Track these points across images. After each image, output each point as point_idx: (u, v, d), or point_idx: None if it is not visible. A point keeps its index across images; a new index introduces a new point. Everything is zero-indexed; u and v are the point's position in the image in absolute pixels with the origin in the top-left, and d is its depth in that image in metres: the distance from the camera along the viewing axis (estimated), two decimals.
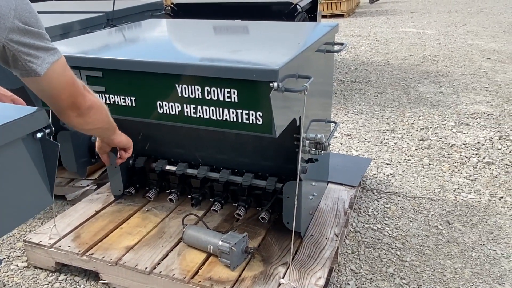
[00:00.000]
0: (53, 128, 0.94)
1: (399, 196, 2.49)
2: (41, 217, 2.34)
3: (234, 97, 1.34)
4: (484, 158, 2.91)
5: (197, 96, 1.39)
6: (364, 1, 16.95)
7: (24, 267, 1.99)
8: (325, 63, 1.92)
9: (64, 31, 2.26)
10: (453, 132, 3.38)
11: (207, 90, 1.36)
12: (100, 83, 1.52)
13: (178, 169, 2.12)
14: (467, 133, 3.34)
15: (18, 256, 2.07)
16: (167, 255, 1.80)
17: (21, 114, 0.88)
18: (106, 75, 1.49)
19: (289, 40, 1.79)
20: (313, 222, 2.01)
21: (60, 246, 1.87)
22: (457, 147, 3.10)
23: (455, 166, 2.83)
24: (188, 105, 1.42)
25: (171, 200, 2.12)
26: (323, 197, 2.23)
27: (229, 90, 1.34)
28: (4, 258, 2.03)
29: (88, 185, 2.45)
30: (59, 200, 2.44)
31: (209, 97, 1.38)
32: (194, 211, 2.06)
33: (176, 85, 1.40)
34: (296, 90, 1.35)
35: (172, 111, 1.45)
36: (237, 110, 1.36)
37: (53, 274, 1.93)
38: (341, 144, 3.22)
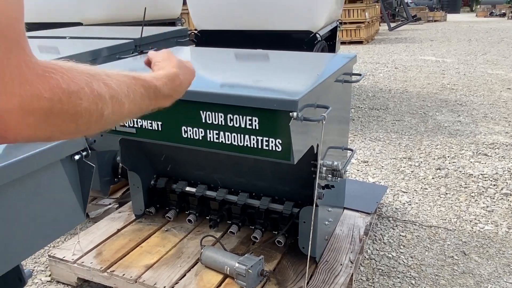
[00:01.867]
0: (89, 151, 1.02)
1: (415, 224, 2.49)
2: (64, 233, 2.42)
3: (255, 125, 1.41)
4: (502, 189, 2.90)
5: (220, 123, 1.47)
6: (384, 28, 17.10)
7: (47, 281, 2.06)
8: (343, 92, 1.99)
9: (94, 57, 2.39)
10: (471, 162, 3.38)
11: (230, 117, 1.44)
12: None
13: (197, 191, 2.19)
14: (485, 163, 3.34)
15: (42, 271, 2.14)
16: (185, 275, 1.85)
17: None
18: None
19: (309, 70, 1.87)
20: (328, 248, 2.04)
21: (82, 262, 1.94)
22: (474, 177, 3.10)
23: (472, 196, 2.83)
24: (211, 131, 1.50)
25: (190, 221, 2.18)
26: (339, 223, 2.26)
27: (250, 117, 1.41)
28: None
29: (110, 204, 2.54)
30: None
31: (231, 124, 1.45)
32: (212, 233, 2.11)
33: (201, 112, 1.48)
34: (315, 120, 1.41)
35: (196, 136, 1.53)
36: (257, 137, 1.43)
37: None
38: (357, 170, 3.26)
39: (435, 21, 21.89)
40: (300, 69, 1.93)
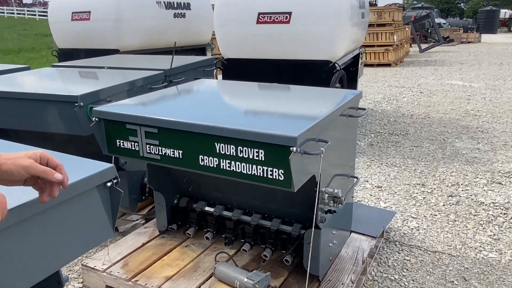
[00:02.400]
0: (119, 179, 1.26)
1: (420, 249, 2.62)
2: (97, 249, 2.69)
3: (262, 156, 1.62)
4: (510, 217, 2.98)
5: (231, 153, 1.69)
6: (415, 49, 17.07)
7: None
8: (348, 125, 2.18)
9: (130, 87, 2.68)
10: (484, 190, 3.46)
11: (240, 149, 1.66)
12: (155, 137, 1.86)
13: (215, 211, 2.41)
14: (498, 191, 3.41)
15: (75, 278, 2.40)
16: (199, 286, 2.05)
17: (98, 169, 1.21)
18: (160, 132, 1.84)
19: (314, 107, 2.08)
20: (332, 268, 2.21)
21: (111, 272, 2.19)
22: (485, 205, 3.19)
23: (480, 224, 2.92)
24: (224, 160, 1.72)
25: (207, 238, 2.40)
26: (345, 245, 2.42)
27: (257, 150, 1.63)
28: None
29: (137, 220, 2.80)
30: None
31: (241, 155, 1.67)
32: (226, 250, 2.32)
33: (215, 143, 1.71)
34: (314, 153, 1.61)
35: (211, 164, 1.76)
36: (263, 167, 1.64)
37: None
38: (370, 195, 3.40)
39: (468, 42, 21.64)
40: (306, 105, 2.14)
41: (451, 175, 3.76)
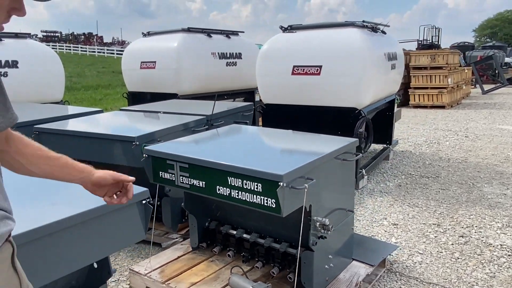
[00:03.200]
0: (151, 199, 1.85)
1: (416, 280, 2.94)
2: (143, 256, 3.30)
3: (259, 189, 2.15)
4: None
5: (239, 185, 2.23)
6: (477, 91, 16.77)
7: None
8: (343, 167, 2.63)
9: (177, 130, 3.34)
10: (497, 233, 3.67)
11: (245, 182, 2.20)
12: (186, 171, 2.46)
13: (237, 234, 2.93)
14: (511, 235, 3.61)
15: (124, 280, 3.01)
16: None
17: (138, 191, 1.80)
18: (190, 167, 2.43)
19: (311, 151, 2.58)
20: (328, 287, 2.62)
21: (150, 276, 2.76)
22: (493, 246, 3.41)
23: (482, 263, 3.17)
24: (234, 190, 2.26)
25: (229, 255, 2.92)
26: (344, 270, 2.82)
27: (257, 184, 2.15)
28: (116, 280, 2.98)
29: (177, 238, 3.39)
30: (157, 246, 3.38)
31: (246, 187, 2.20)
32: (243, 266, 2.82)
33: (228, 177, 2.26)
34: (299, 188, 2.11)
35: (225, 193, 2.30)
36: (261, 197, 2.16)
37: None
38: (385, 231, 3.74)
39: None
40: (305, 150, 2.65)
41: (469, 218, 3.99)
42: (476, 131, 8.39)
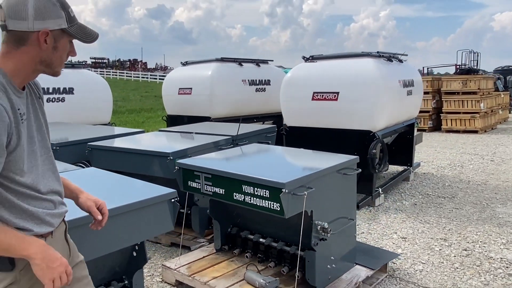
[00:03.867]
0: (178, 198, 2.35)
1: (414, 285, 3.27)
2: (174, 257, 3.79)
3: (267, 194, 2.61)
4: (509, 270, 3.45)
5: (251, 192, 2.70)
6: None
7: (159, 281, 3.41)
8: (343, 180, 3.05)
9: (205, 148, 3.87)
10: (500, 248, 3.91)
11: (255, 189, 2.67)
12: (210, 180, 2.96)
13: (254, 238, 3.38)
14: None
15: (157, 275, 3.51)
16: (233, 284, 3.01)
17: (168, 191, 2.32)
18: (213, 177, 2.93)
19: (314, 165, 3.02)
20: (330, 285, 3.01)
21: (179, 270, 3.25)
22: (493, 259, 3.67)
23: (479, 272, 3.45)
24: (247, 196, 2.73)
25: (247, 256, 3.37)
26: (347, 272, 3.19)
27: (265, 190, 2.62)
28: (151, 274, 3.49)
29: (204, 242, 3.87)
30: (186, 249, 3.87)
31: (256, 193, 2.67)
32: (258, 265, 3.26)
33: (242, 185, 2.74)
34: (299, 195, 2.55)
35: (240, 199, 2.78)
36: (268, 201, 2.62)
37: (174, 287, 3.29)
38: (393, 243, 4.07)
39: None
40: (310, 164, 3.10)
41: (476, 234, 4.25)
42: (504, 155, 8.47)
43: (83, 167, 3.27)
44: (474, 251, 3.86)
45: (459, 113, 12.55)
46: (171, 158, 3.51)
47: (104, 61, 70.08)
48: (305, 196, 2.58)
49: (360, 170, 3.15)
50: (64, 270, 1.36)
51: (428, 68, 23.19)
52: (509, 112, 17.78)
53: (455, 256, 3.77)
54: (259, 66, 7.30)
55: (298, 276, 3.01)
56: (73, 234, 1.69)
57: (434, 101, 13.04)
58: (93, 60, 68.17)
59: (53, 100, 5.60)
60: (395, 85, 5.14)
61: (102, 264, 2.42)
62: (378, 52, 5.21)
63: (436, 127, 13.05)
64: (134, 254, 2.52)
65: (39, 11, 1.31)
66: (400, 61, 5.70)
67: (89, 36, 1.43)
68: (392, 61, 5.41)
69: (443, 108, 12.81)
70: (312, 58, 5.43)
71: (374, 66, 4.86)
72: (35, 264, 1.31)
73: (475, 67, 20.35)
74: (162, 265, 3.39)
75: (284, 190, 2.49)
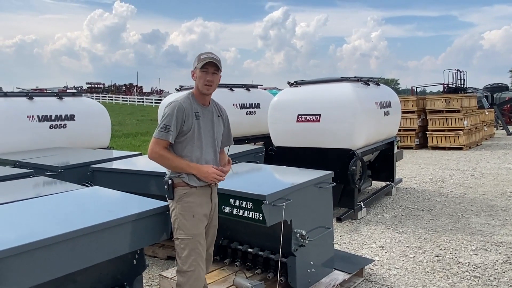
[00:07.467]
0: (169, 212, 2.73)
1: (387, 287, 3.62)
2: (170, 268, 4.13)
3: (251, 206, 2.99)
4: (476, 273, 3.81)
5: (237, 204, 3.08)
6: (503, 132, 17.03)
7: None
8: (319, 193, 3.43)
9: None
10: (470, 254, 4.28)
11: (241, 202, 3.05)
12: None
13: (243, 248, 3.74)
14: (481, 256, 4.21)
15: (155, 285, 3.84)
16: None
17: (161, 204, 2.69)
18: None
19: (293, 180, 3.41)
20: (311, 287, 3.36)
21: (175, 279, 3.58)
22: (461, 264, 4.04)
23: (447, 275, 3.80)
24: (234, 208, 3.11)
25: (236, 265, 3.72)
26: (326, 276, 3.55)
27: (249, 203, 3.00)
28: (149, 285, 3.82)
29: None
30: None
31: (242, 205, 3.05)
32: (246, 272, 3.60)
33: (230, 199, 3.12)
34: (278, 205, 2.93)
35: (228, 211, 3.16)
36: (252, 212, 2.99)
37: None
38: (371, 252, 4.43)
39: None
40: (290, 179, 3.49)
41: (449, 243, 4.62)
42: (484, 170, 8.90)
43: (88, 186, 3.64)
44: (445, 257, 4.22)
45: (443, 130, 13.05)
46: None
47: (100, 86, 70.84)
48: (284, 207, 2.96)
49: (335, 183, 3.54)
50: (215, 173, 2.64)
51: (417, 87, 23.91)
52: (496, 129, 18.37)
53: (427, 261, 4.13)
54: (249, 90, 7.75)
55: (281, 280, 3.36)
56: (79, 242, 2.08)
57: (420, 119, 13.56)
58: (89, 85, 68.91)
59: (56, 126, 5.99)
60: (372, 106, 5.58)
61: (106, 271, 2.77)
62: (355, 77, 5.67)
63: (423, 145, 13.53)
64: (134, 262, 2.87)
65: None
66: (378, 84, 6.16)
67: None
68: (369, 84, 5.87)
69: (428, 126, 13.31)
70: (296, 83, 5.88)
71: (352, 90, 5.31)
72: (197, 175, 2.63)
73: (462, 86, 21.04)
74: (159, 274, 3.72)
75: (265, 201, 2.88)
